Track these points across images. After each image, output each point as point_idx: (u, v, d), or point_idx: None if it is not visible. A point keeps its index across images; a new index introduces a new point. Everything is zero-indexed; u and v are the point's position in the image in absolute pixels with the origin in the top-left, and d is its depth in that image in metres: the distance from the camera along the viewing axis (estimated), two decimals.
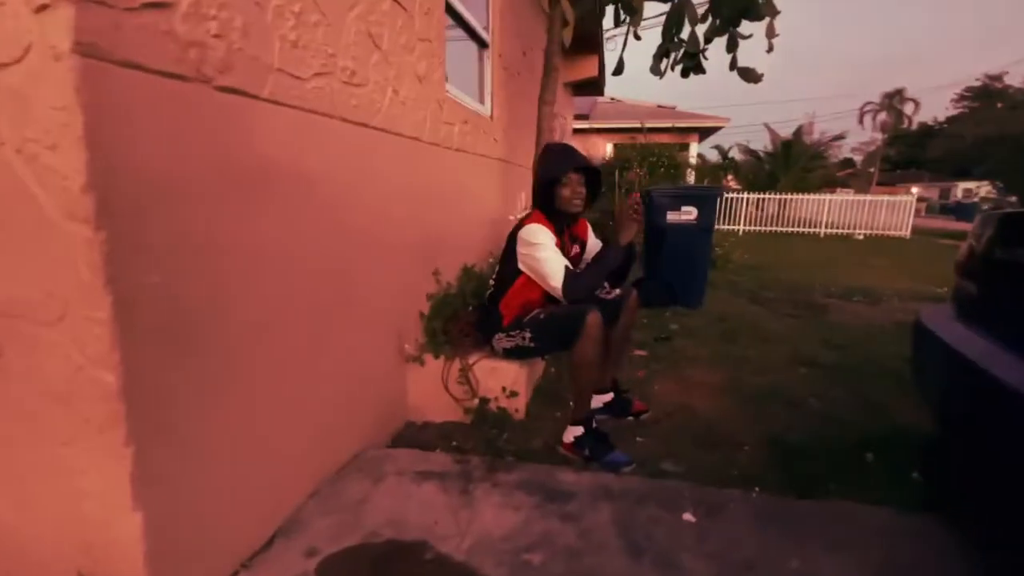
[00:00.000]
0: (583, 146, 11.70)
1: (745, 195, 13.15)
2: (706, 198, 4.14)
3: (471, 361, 2.09)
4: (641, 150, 7.89)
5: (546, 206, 1.98)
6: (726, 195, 13.32)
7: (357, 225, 1.65)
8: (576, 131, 12.62)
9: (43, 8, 0.79)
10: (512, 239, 1.95)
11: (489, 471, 1.68)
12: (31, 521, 1.05)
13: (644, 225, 4.63)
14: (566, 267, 1.81)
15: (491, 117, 3.20)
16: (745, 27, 2.80)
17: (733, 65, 2.94)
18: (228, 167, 1.10)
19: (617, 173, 7.91)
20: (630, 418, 2.19)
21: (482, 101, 3.15)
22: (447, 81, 2.44)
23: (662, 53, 2.97)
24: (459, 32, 2.90)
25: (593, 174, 2.05)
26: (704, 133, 13.65)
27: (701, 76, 3.04)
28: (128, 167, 0.90)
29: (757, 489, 1.67)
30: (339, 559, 1.26)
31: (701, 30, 2.82)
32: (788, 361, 3.03)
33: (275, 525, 1.34)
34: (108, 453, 0.94)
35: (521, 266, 1.91)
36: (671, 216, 4.17)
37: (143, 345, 0.94)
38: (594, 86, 7.46)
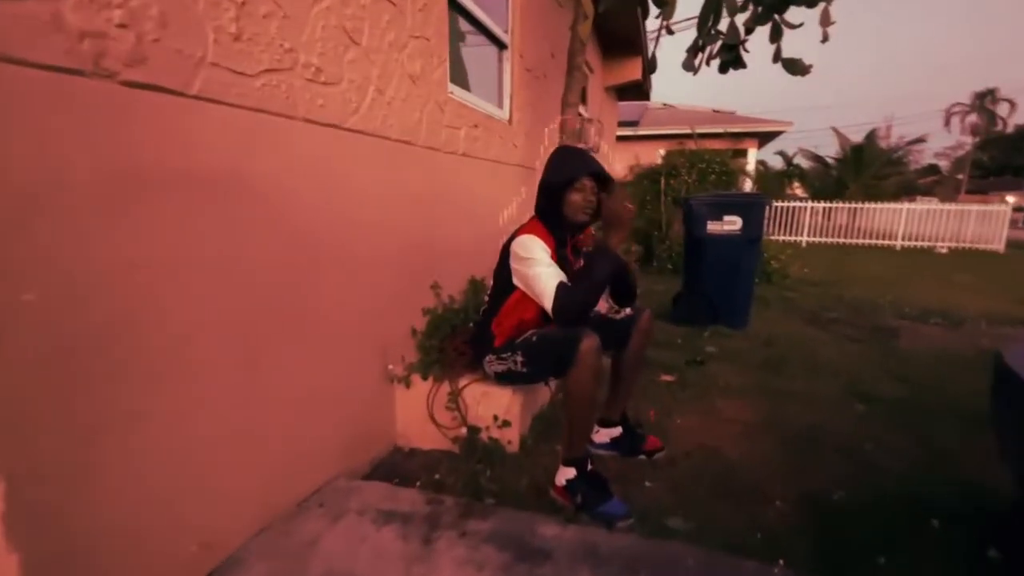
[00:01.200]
0: (629, 153, 11.30)
1: (809, 203, 12.25)
2: (751, 206, 3.79)
3: (460, 385, 1.91)
4: (690, 156, 7.45)
5: (549, 213, 1.76)
6: (789, 204, 12.47)
7: (324, 234, 1.52)
8: (620, 138, 12.27)
9: None
10: (506, 251, 1.76)
11: (462, 516, 1.48)
12: None
13: (683, 235, 4.31)
14: (560, 284, 1.58)
15: (510, 121, 3.02)
16: (794, 15, 2.47)
17: (777, 57, 2.61)
18: (138, 170, 0.99)
19: (664, 180, 7.52)
20: (642, 457, 1.92)
21: (500, 105, 2.99)
22: (454, 82, 2.29)
23: (696, 47, 2.69)
24: (481, 37, 2.76)
25: (606, 184, 1.82)
26: (764, 138, 12.88)
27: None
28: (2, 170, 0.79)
29: (781, 562, 1.37)
30: None
31: (741, 19, 2.53)
32: (842, 396, 2.64)
33: (207, 568, 1.21)
34: None
35: (515, 281, 1.71)
36: (711, 226, 3.85)
37: (18, 369, 0.83)
38: (639, 90, 7.14)
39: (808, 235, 12.25)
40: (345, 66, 1.54)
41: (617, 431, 1.94)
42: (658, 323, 4.07)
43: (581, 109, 5.18)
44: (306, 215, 1.45)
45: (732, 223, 3.75)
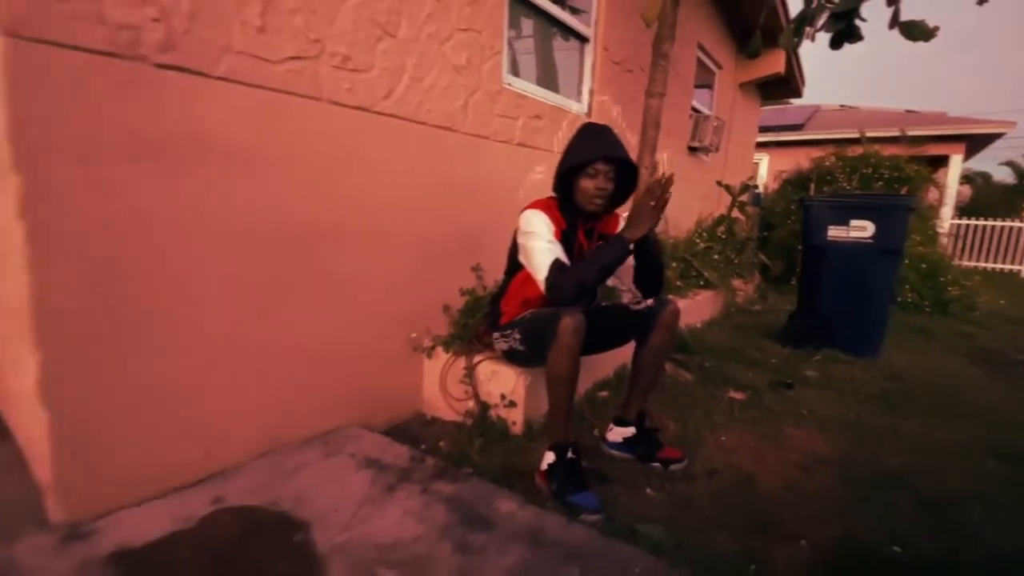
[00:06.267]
0: (790, 159, 10.10)
1: None
2: (888, 209, 3.17)
3: (475, 361, 1.96)
4: (851, 160, 6.39)
5: (564, 195, 1.73)
6: (1003, 224, 9.89)
7: (347, 203, 1.71)
8: (781, 144, 11.00)
9: None
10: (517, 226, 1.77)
11: (432, 476, 1.53)
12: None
13: (801, 243, 3.76)
14: (555, 260, 1.55)
15: (588, 114, 2.98)
16: None
17: (894, 22, 2.12)
18: (162, 135, 1.25)
19: (813, 187, 6.59)
20: (656, 464, 1.76)
21: (579, 98, 2.97)
22: (529, 78, 2.36)
23: (801, 20, 2.33)
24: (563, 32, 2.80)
25: (629, 170, 1.72)
26: (975, 144, 10.41)
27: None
28: (47, 125, 1.08)
29: None
30: (228, 512, 1.30)
31: None
32: (972, 447, 2.06)
33: (208, 471, 1.45)
34: (28, 358, 1.14)
35: (520, 258, 1.72)
36: (834, 232, 3.32)
37: (56, 272, 1.12)
38: (785, 86, 6.35)
39: None
40: (377, 55, 1.72)
41: (631, 431, 1.80)
42: (763, 343, 3.61)
43: (698, 105, 4.82)
44: (328, 186, 1.65)
45: (860, 229, 3.16)
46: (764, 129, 10.05)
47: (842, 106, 13.30)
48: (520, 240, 1.69)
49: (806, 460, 1.88)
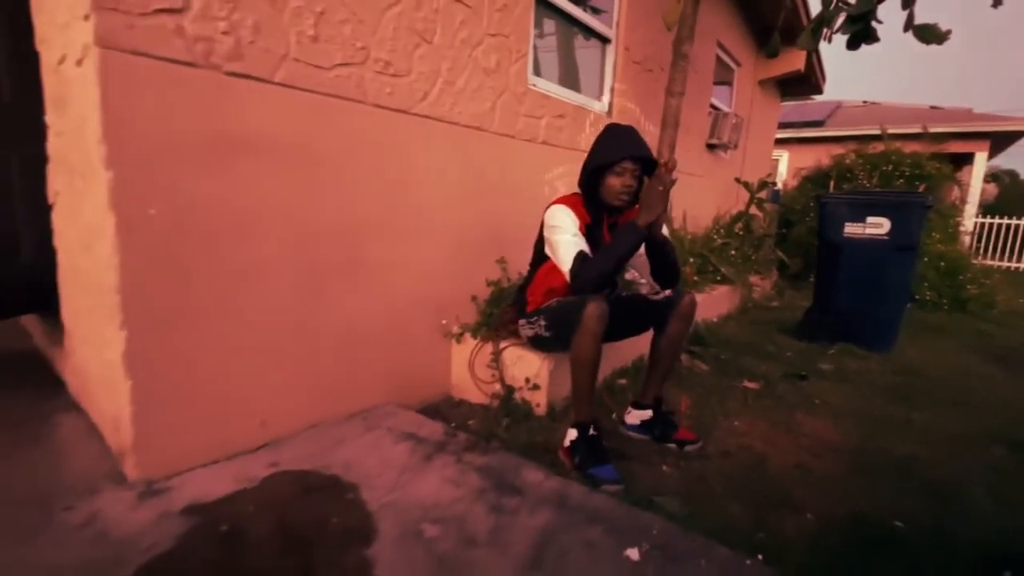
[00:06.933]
0: (810, 156, 10.02)
1: None
2: (904, 207, 3.22)
3: (501, 346, 2.08)
4: (870, 157, 6.37)
5: (590, 192, 1.85)
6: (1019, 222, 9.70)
7: (385, 197, 1.84)
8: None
9: (87, 17, 1.16)
10: (543, 220, 1.89)
11: (465, 448, 1.66)
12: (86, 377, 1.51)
13: (818, 239, 3.82)
14: (579, 252, 1.67)
15: (609, 113, 3.08)
16: None
17: (908, 25, 2.18)
18: (229, 135, 1.39)
19: (833, 184, 6.58)
20: (671, 445, 1.87)
21: (599, 97, 3.07)
22: (556, 79, 2.47)
23: (819, 22, 2.39)
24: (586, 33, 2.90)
25: (651, 167, 1.83)
26: (1000, 141, 10.21)
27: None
28: (134, 127, 1.23)
29: (760, 557, 1.27)
30: (285, 475, 1.45)
31: None
32: (980, 436, 2.13)
33: (263, 439, 1.60)
34: (113, 333, 1.29)
35: (546, 250, 1.84)
36: (850, 229, 3.38)
37: (141, 257, 1.27)
38: (805, 83, 6.33)
39: None
40: (415, 60, 1.84)
41: (648, 414, 1.91)
42: (779, 337, 3.68)
43: (717, 102, 4.87)
44: (370, 182, 1.78)
45: (877, 225, 3.22)
46: (784, 125, 9.99)
47: (864, 102, 13.12)
48: (546, 234, 1.81)
49: (817, 445, 1.97)
